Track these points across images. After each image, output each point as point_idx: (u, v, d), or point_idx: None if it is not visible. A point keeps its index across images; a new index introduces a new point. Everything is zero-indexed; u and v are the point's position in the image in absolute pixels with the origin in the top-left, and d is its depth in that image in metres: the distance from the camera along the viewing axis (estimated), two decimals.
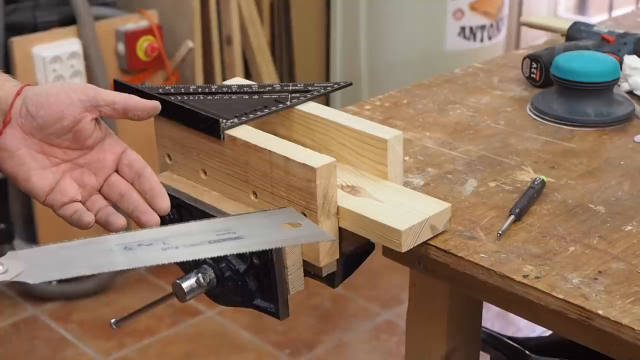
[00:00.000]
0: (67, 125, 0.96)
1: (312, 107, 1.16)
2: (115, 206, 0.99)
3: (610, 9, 3.86)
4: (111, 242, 0.92)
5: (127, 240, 0.93)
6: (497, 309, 1.36)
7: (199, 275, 1.08)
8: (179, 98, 1.14)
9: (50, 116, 0.95)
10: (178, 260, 0.94)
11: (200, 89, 1.17)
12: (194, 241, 0.95)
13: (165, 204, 0.97)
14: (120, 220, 0.97)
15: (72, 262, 0.90)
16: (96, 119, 0.98)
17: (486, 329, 1.49)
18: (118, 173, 0.99)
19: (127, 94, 0.99)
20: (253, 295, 1.08)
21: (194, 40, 2.74)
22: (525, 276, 1.00)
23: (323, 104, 1.18)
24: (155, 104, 1.00)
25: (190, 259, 0.95)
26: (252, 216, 1.04)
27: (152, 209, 0.97)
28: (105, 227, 0.97)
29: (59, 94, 0.96)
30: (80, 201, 0.97)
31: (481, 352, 1.45)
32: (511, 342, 1.49)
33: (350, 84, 1.23)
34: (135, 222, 0.98)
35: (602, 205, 1.14)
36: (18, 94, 0.97)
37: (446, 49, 3.07)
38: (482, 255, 1.03)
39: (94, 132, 0.98)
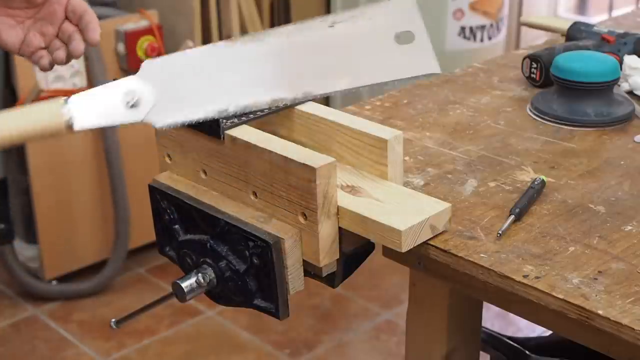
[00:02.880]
0: None
1: (312, 107, 1.16)
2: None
3: (610, 9, 3.86)
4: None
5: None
6: (497, 309, 1.35)
7: (199, 275, 1.09)
8: None
9: None
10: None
11: None
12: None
13: (94, 36, 1.19)
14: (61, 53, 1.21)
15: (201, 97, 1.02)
16: None
17: (486, 329, 1.49)
18: (67, 19, 1.21)
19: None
20: (253, 295, 1.08)
21: (194, 40, 2.74)
22: (525, 276, 1.00)
23: (323, 104, 1.18)
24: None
25: None
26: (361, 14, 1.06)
27: (86, 40, 1.19)
28: (55, 61, 1.22)
29: None
30: (45, 47, 1.20)
31: (481, 352, 1.45)
32: (511, 342, 1.49)
33: None
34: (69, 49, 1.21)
35: (602, 205, 1.14)
36: None
37: (446, 49, 3.07)
38: (482, 255, 1.03)
39: None
